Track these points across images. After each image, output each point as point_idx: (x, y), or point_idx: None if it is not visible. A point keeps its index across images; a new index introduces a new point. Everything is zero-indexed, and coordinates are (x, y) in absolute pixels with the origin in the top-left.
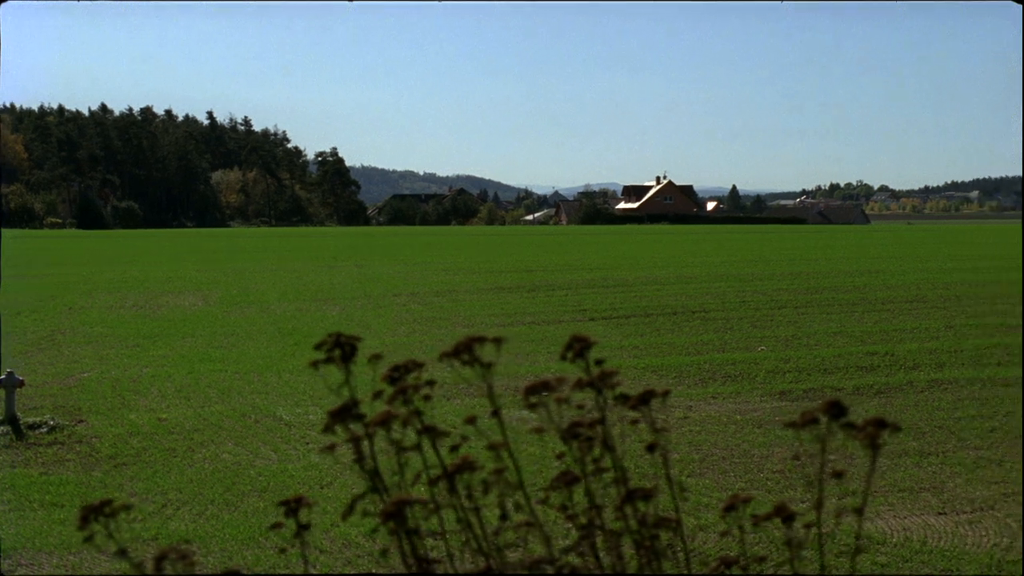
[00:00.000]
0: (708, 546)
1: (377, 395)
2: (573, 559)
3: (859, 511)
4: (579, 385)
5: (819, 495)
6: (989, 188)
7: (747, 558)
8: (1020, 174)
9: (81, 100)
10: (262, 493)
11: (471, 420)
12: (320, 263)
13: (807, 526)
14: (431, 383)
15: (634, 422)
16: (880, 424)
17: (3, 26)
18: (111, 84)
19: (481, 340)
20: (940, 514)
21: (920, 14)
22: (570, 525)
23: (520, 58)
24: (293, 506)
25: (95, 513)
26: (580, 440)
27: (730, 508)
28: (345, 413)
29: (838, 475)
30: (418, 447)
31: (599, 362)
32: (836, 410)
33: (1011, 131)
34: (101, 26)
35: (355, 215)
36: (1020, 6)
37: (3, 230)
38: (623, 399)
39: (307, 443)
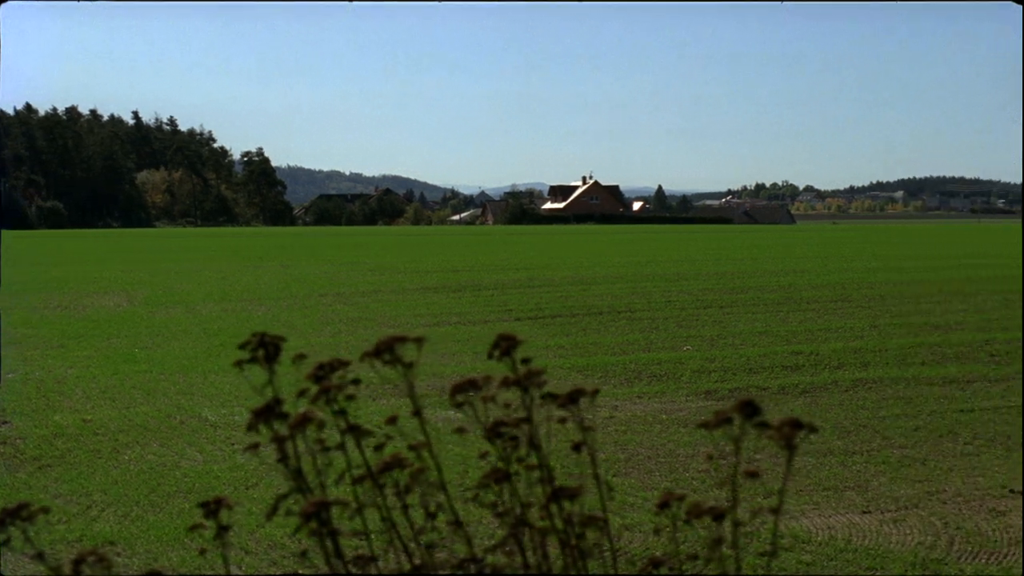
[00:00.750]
0: (634, 545)
1: (301, 394)
2: (500, 558)
3: (776, 511)
4: (505, 384)
5: (734, 495)
6: (913, 188)
7: (678, 557)
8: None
9: (6, 100)
10: (187, 494)
11: (392, 420)
12: (246, 263)
13: (736, 524)
14: (356, 382)
15: (562, 421)
16: (795, 424)
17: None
18: (36, 84)
19: (402, 340)
20: (864, 512)
21: (841, 12)
22: (497, 524)
23: (445, 57)
24: (213, 507)
25: (12, 516)
26: (505, 439)
27: (664, 506)
28: (268, 412)
29: (752, 475)
30: (342, 447)
31: (525, 361)
32: (749, 410)
33: (933, 132)
34: (24, 25)
35: (281, 215)
36: (1020, 6)
37: None
38: (550, 398)
39: (232, 444)
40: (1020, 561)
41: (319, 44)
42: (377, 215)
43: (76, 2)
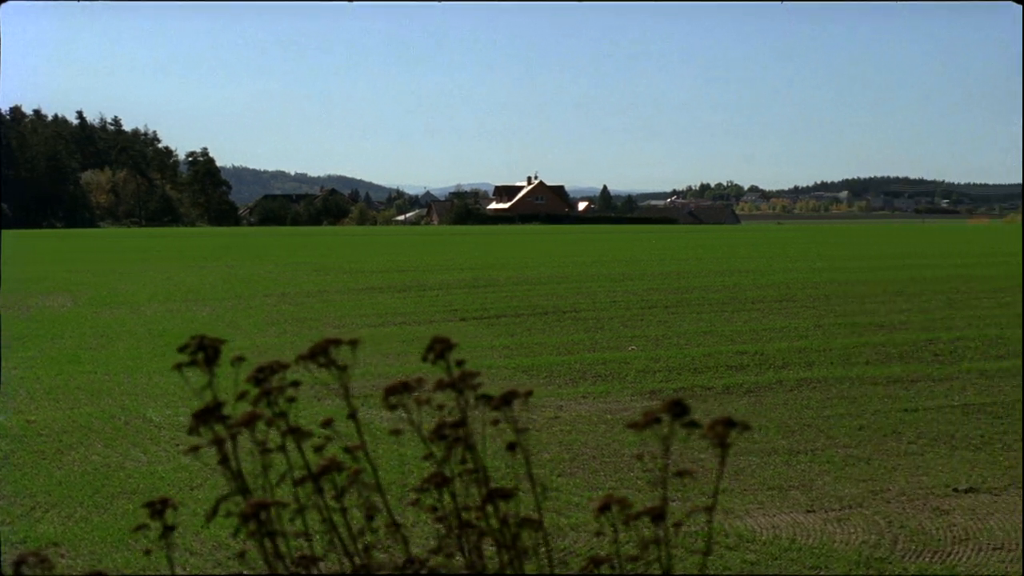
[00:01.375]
0: (579, 545)
1: (241, 396)
2: (440, 559)
3: (709, 510)
4: (440, 386)
5: (664, 496)
6: (858, 189)
7: (620, 558)
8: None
9: None
10: (131, 495)
11: (327, 423)
12: (191, 263)
13: (675, 525)
14: (296, 384)
15: (495, 422)
16: (728, 423)
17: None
18: None
19: (337, 343)
20: (809, 512)
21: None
22: (439, 526)
23: (389, 56)
24: (158, 507)
25: None
26: (447, 441)
27: (604, 509)
28: (209, 415)
29: (682, 474)
30: (283, 448)
31: (460, 363)
32: (678, 409)
33: (876, 132)
34: None
35: (226, 215)
36: (1020, 6)
37: None
38: (485, 399)
39: (177, 444)
40: (964, 559)
41: (263, 44)
42: (322, 215)
43: (75, 2)
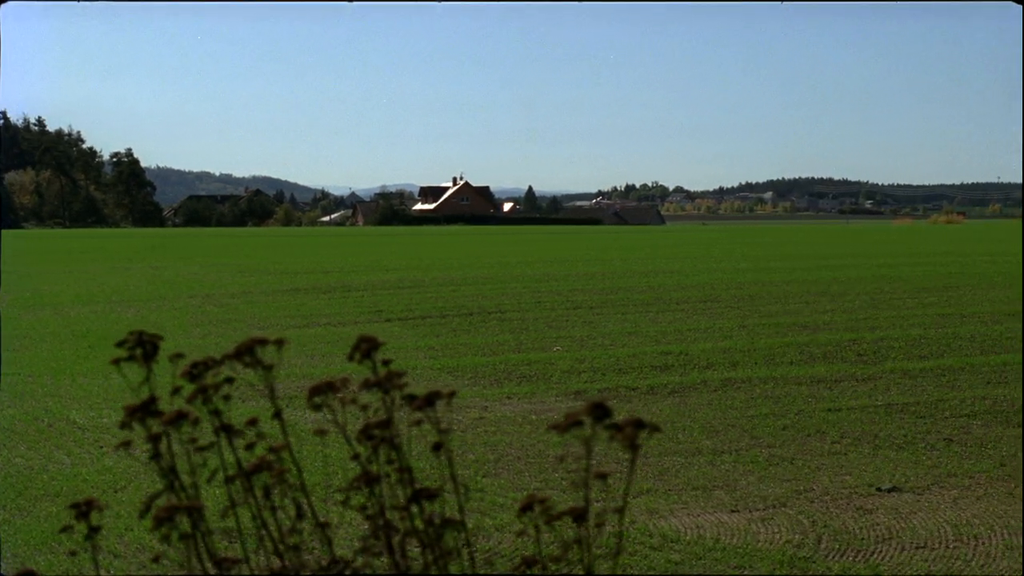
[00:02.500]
0: (504, 546)
1: (176, 391)
2: (365, 559)
3: (620, 511)
4: (366, 386)
5: (586, 499)
6: (783, 189)
7: (543, 557)
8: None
9: None
10: (55, 498)
11: (252, 422)
12: (115, 265)
13: (598, 525)
14: (230, 381)
15: (417, 423)
16: (638, 424)
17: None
18: None
19: (263, 342)
20: (733, 511)
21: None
22: (367, 526)
23: (313, 56)
24: (84, 509)
25: None
26: (376, 441)
27: (526, 509)
28: (143, 410)
29: (602, 476)
30: (215, 446)
31: (386, 362)
32: (599, 412)
33: (801, 133)
34: None
35: (150, 216)
36: (1020, 6)
37: None
38: (410, 400)
39: (101, 447)
40: (887, 558)
41: (187, 43)
42: (247, 216)
43: (75, 2)
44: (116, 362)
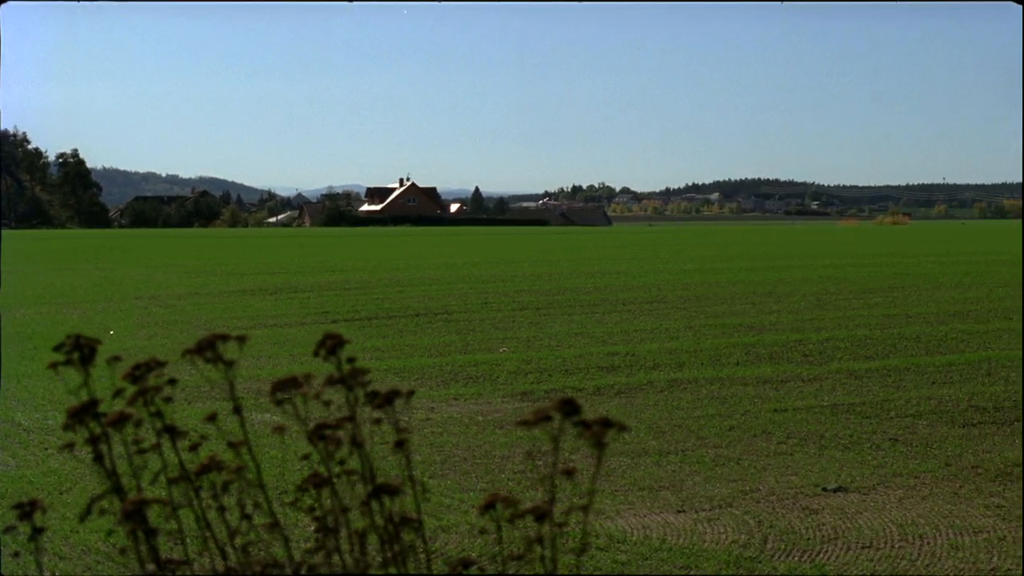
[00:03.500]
0: (450, 547)
1: (117, 394)
2: (318, 559)
3: (585, 509)
4: (329, 382)
5: (551, 493)
6: (729, 190)
7: (502, 557)
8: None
9: None
10: None
11: (211, 417)
12: (61, 266)
13: (558, 525)
14: (172, 382)
15: (377, 421)
16: (606, 423)
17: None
18: None
19: (224, 338)
20: (679, 512)
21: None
22: (315, 527)
23: (259, 57)
24: (27, 509)
25: None
26: (327, 441)
27: (488, 507)
28: (85, 412)
29: (569, 473)
30: (158, 447)
31: (350, 360)
32: (569, 408)
33: (747, 134)
34: None
35: (97, 217)
36: (1020, 6)
37: None
38: (371, 397)
39: (46, 448)
40: (833, 558)
41: (132, 43)
42: (193, 217)
43: (76, 2)
44: (53, 366)
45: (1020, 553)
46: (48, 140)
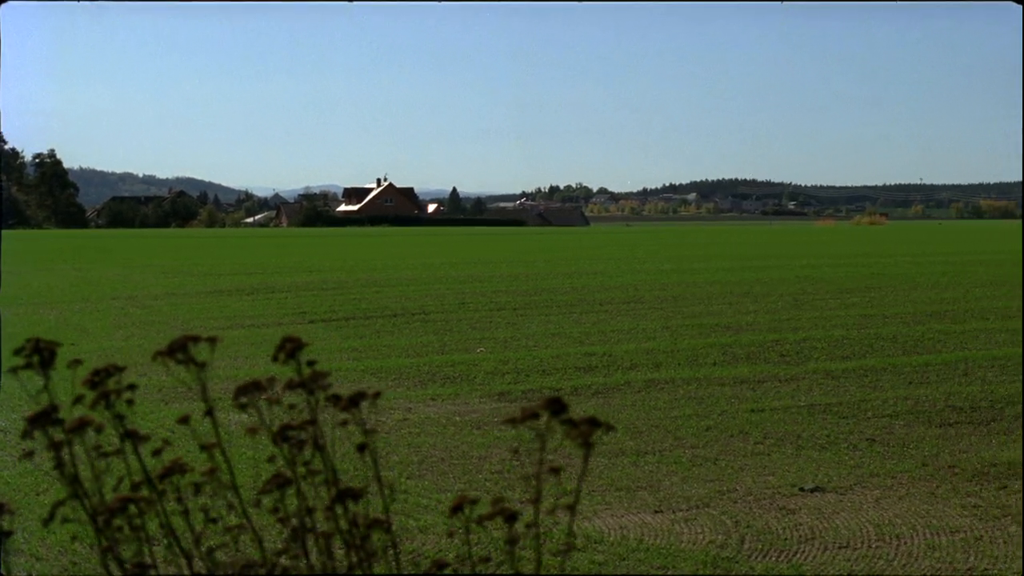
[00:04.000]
0: (428, 547)
1: (78, 399)
2: (285, 561)
3: (571, 508)
4: (290, 386)
5: (537, 491)
6: (706, 191)
7: (471, 559)
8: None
9: None
10: None
11: (184, 419)
12: (37, 266)
13: (528, 525)
14: (132, 387)
15: (343, 423)
16: (593, 423)
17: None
18: None
19: (196, 339)
20: (657, 512)
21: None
22: (281, 528)
23: (236, 57)
24: None
25: None
26: (291, 443)
27: (457, 509)
28: (44, 418)
29: (555, 471)
30: (121, 452)
31: (311, 363)
32: (556, 407)
33: (725, 134)
34: None
35: (74, 217)
36: (1020, 6)
37: None
38: (334, 400)
39: (23, 449)
40: (810, 558)
41: (107, 44)
42: (171, 217)
43: (76, 2)
44: (13, 371)
45: (996, 553)
46: (25, 140)
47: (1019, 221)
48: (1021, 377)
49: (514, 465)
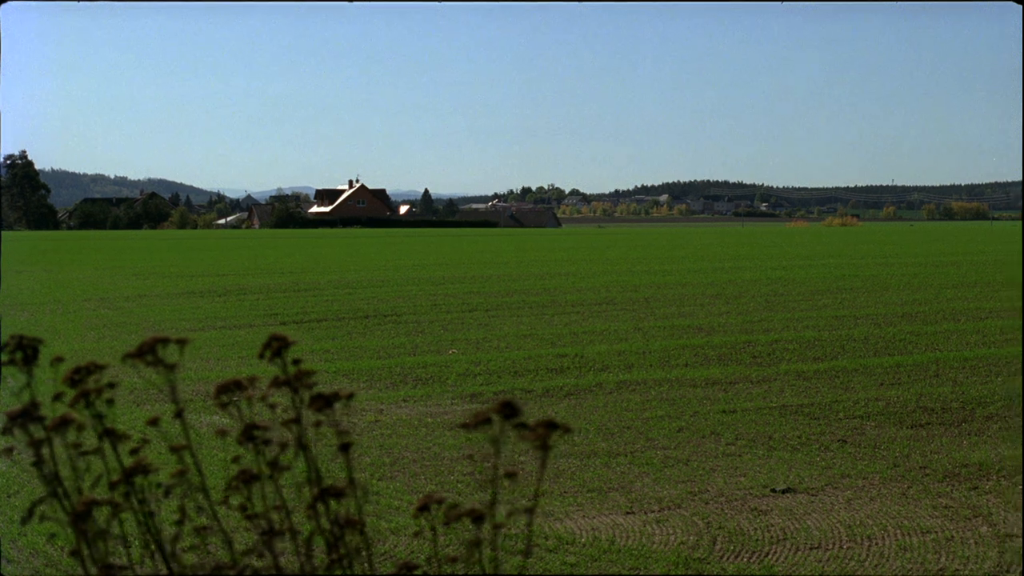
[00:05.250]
0: (399, 549)
1: (58, 397)
2: (255, 562)
3: (530, 511)
4: (275, 384)
5: (493, 495)
6: (678, 192)
7: (438, 559)
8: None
9: None
10: None
11: (154, 421)
12: (9, 268)
13: (496, 527)
14: (112, 386)
15: (317, 424)
16: (550, 425)
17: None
18: None
19: (165, 341)
20: (628, 513)
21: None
22: (250, 526)
23: (208, 58)
24: None
25: None
26: (258, 442)
27: (423, 509)
28: (25, 416)
29: (511, 475)
30: (99, 451)
31: (296, 362)
32: (509, 410)
33: (696, 136)
34: None
35: (45, 219)
36: (1020, 6)
37: None
38: (315, 399)
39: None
40: (781, 559)
41: (80, 44)
42: (142, 219)
43: (76, 2)
44: None
45: (967, 553)
46: None
47: (991, 221)
48: (1021, 376)
49: (471, 466)
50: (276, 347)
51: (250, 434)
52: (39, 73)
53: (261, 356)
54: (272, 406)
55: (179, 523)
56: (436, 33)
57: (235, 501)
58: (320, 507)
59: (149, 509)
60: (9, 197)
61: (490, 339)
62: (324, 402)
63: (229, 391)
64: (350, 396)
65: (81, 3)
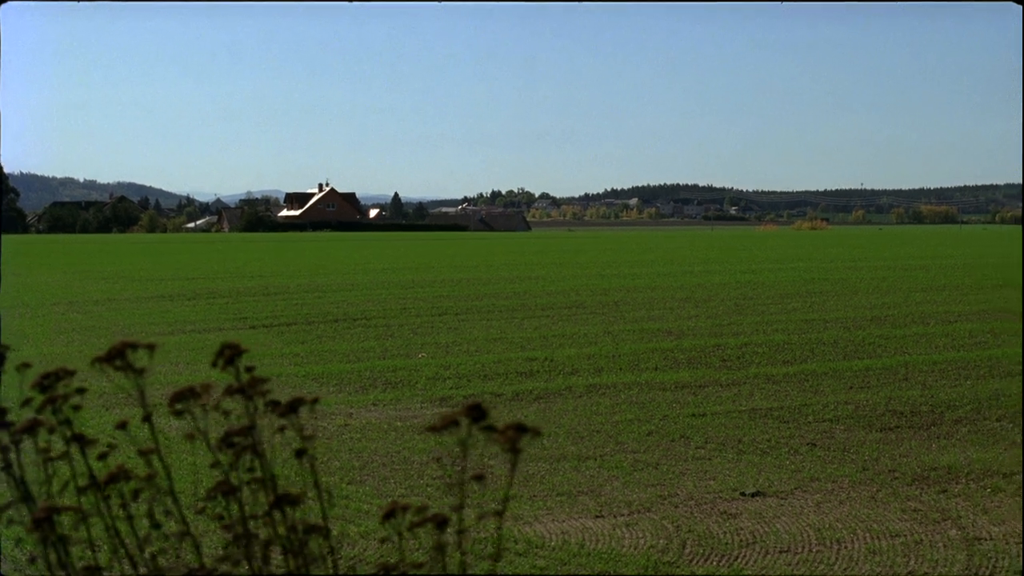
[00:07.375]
0: (368, 553)
1: (26, 403)
2: (228, 567)
3: (499, 514)
4: (229, 392)
5: (460, 499)
6: (648, 195)
7: (404, 564)
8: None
9: None
10: None
11: (122, 425)
12: None
13: (461, 531)
14: (81, 391)
15: (281, 429)
16: (520, 428)
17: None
18: None
19: (134, 346)
20: (598, 517)
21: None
22: (228, 534)
23: (175, 60)
24: None
25: None
26: (236, 448)
27: (389, 516)
28: None
29: (479, 478)
30: (67, 456)
31: (249, 369)
32: (476, 413)
33: (665, 139)
34: None
35: (14, 223)
36: (1020, 7)
37: None
38: (273, 406)
39: None
40: (751, 562)
41: (48, 46)
42: (112, 223)
43: (76, 2)
44: None
45: (936, 556)
46: None
47: (954, 226)
48: (1021, 377)
49: (439, 475)
50: (228, 355)
51: (230, 441)
52: (6, 76)
53: (214, 365)
54: (226, 413)
55: (156, 527)
56: (405, 37)
57: (210, 511)
58: (276, 514)
59: (117, 514)
60: None
61: (460, 343)
62: (288, 408)
63: (184, 399)
64: (315, 401)
65: (45, 3)
